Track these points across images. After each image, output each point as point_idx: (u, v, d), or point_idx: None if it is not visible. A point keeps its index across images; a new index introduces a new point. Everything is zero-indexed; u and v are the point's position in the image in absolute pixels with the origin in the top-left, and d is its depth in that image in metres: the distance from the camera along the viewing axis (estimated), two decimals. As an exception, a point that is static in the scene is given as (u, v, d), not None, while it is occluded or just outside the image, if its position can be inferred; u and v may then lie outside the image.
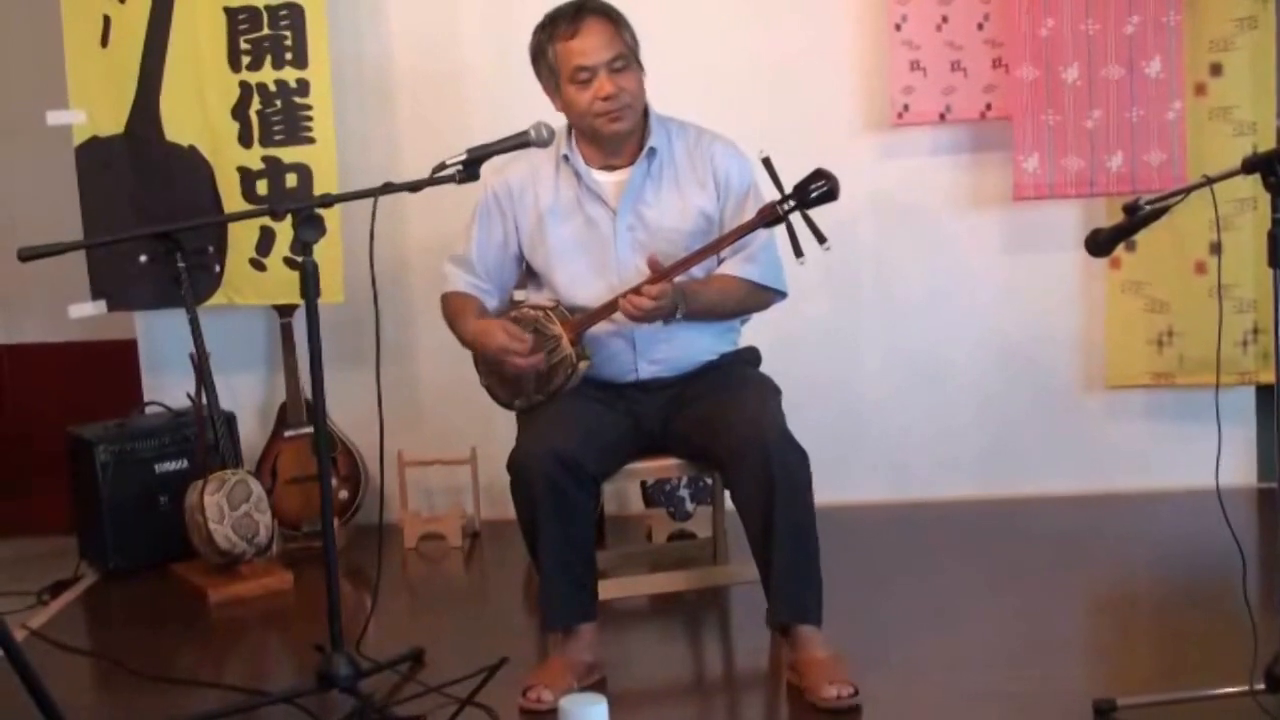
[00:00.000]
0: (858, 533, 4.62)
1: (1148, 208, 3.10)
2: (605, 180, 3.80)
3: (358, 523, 4.94)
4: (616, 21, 3.71)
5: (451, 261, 3.92)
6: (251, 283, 4.76)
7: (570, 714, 2.78)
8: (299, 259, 3.37)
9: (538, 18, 3.76)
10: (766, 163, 3.55)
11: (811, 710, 3.35)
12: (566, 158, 3.79)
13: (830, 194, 3.54)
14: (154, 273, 4.67)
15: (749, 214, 3.67)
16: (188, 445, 4.77)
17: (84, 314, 4.76)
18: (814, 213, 3.55)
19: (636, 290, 3.54)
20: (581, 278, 3.78)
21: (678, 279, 3.62)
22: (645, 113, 3.79)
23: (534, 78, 3.78)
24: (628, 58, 3.69)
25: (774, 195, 3.57)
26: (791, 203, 3.54)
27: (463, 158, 3.38)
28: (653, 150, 3.77)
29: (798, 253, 3.53)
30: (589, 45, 3.65)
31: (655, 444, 3.81)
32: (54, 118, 4.65)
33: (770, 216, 3.58)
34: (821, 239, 3.54)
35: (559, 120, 3.74)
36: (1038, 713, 3.34)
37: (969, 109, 4.77)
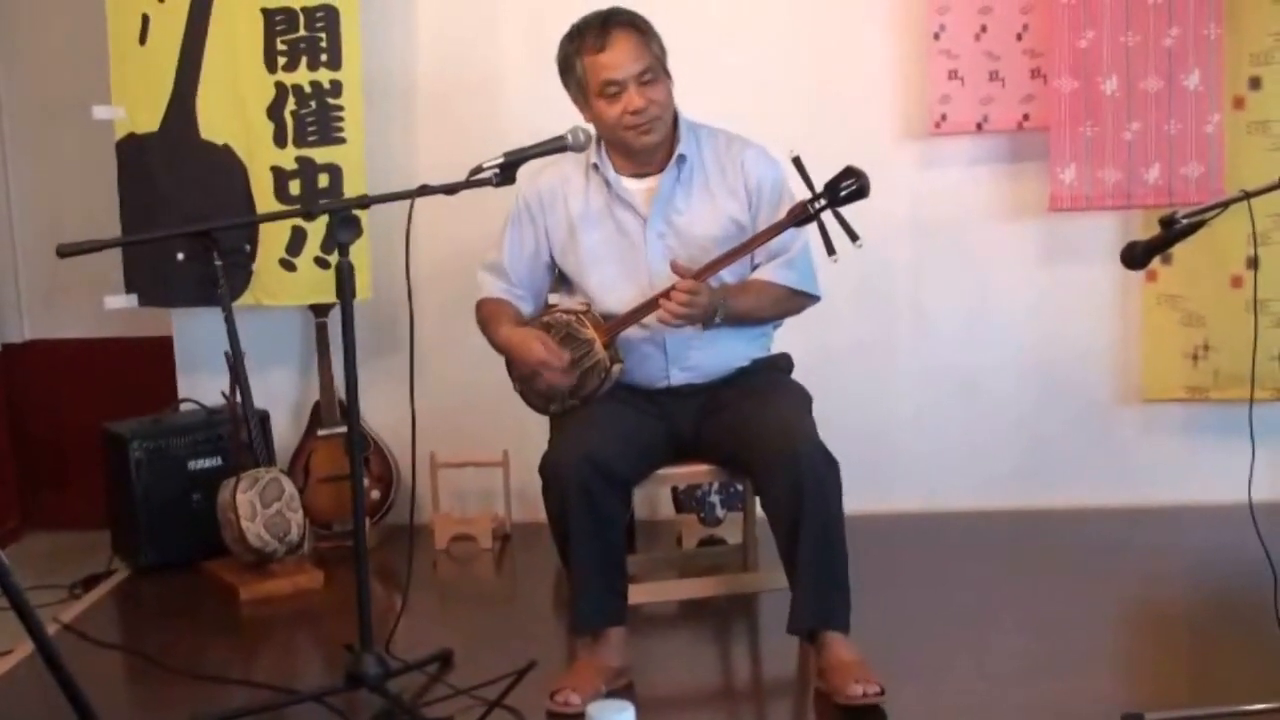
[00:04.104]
0: (889, 543, 4.61)
1: (1184, 221, 3.08)
2: (635, 188, 3.79)
3: (389, 523, 4.96)
4: (645, 32, 3.69)
5: (484, 268, 3.92)
6: (281, 283, 4.77)
7: (597, 721, 2.78)
8: (330, 259, 3.36)
9: (570, 22, 3.74)
10: (797, 161, 3.54)
11: (839, 713, 3.34)
12: (596, 166, 3.79)
13: (860, 191, 3.52)
14: (190, 271, 4.71)
15: (782, 216, 3.66)
16: (221, 443, 4.79)
17: (118, 305, 4.79)
18: (846, 211, 3.55)
19: (667, 294, 3.54)
20: (613, 284, 3.78)
21: (718, 283, 3.61)
22: (674, 119, 3.78)
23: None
24: (656, 69, 3.67)
25: (805, 195, 3.57)
26: (822, 201, 3.54)
27: (499, 161, 3.37)
28: (682, 157, 3.76)
29: (830, 251, 3.52)
30: (617, 59, 3.63)
31: (687, 449, 3.80)
32: (99, 112, 4.69)
33: (801, 215, 3.57)
34: (854, 237, 3.53)
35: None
36: (1066, 725, 3.33)
37: (1006, 119, 4.76)
